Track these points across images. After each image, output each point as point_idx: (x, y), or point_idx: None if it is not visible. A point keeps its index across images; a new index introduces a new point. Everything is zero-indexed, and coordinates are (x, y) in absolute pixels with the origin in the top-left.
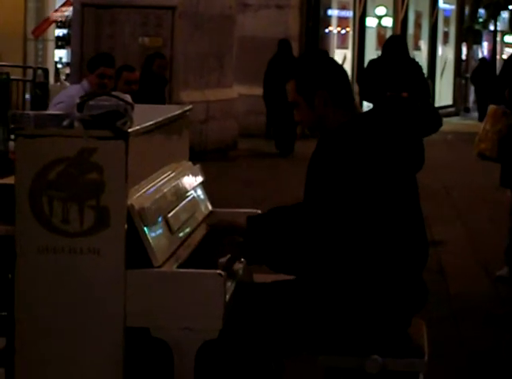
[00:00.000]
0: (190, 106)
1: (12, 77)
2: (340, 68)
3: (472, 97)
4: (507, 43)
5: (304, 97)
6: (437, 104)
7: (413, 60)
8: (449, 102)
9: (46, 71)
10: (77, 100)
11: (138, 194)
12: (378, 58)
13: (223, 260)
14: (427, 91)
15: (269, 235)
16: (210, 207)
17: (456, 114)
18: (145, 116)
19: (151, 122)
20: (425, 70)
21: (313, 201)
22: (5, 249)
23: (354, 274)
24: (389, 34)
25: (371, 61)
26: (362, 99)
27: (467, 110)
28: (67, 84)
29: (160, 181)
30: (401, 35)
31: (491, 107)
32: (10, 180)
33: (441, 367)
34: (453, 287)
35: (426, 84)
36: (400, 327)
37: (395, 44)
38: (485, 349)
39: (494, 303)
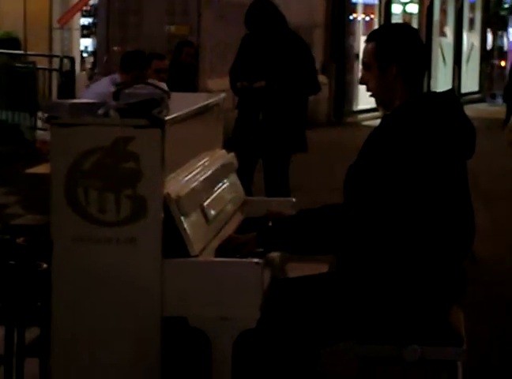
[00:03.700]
0: (224, 95)
1: (38, 67)
2: (422, 48)
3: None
4: None
5: (379, 63)
6: (463, 90)
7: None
8: (475, 88)
9: (72, 60)
10: (111, 90)
11: (175, 183)
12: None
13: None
14: (309, 60)
15: (299, 221)
16: (244, 195)
17: (482, 100)
18: (181, 104)
19: (187, 110)
20: (451, 56)
21: (366, 179)
22: (38, 239)
23: (395, 262)
24: (414, 21)
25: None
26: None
27: (493, 96)
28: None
29: (195, 169)
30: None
31: None
32: (38, 169)
33: (476, 355)
34: (485, 274)
35: (305, 53)
36: (440, 315)
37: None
38: None
39: None
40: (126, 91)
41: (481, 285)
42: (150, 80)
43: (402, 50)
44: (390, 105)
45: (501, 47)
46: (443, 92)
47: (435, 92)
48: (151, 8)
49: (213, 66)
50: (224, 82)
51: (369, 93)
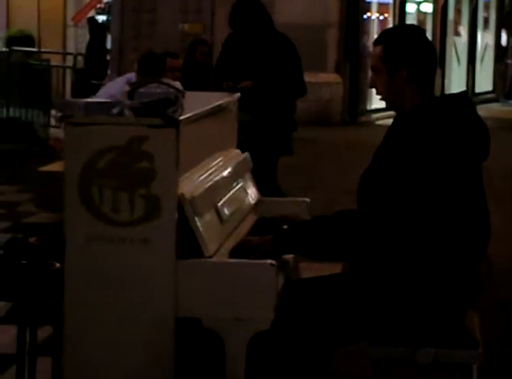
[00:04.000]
0: (238, 94)
1: (52, 64)
2: (431, 50)
3: None
4: None
5: (387, 67)
6: (477, 90)
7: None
8: (490, 88)
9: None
10: (127, 88)
11: (189, 183)
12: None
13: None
14: (295, 61)
15: (314, 226)
16: (259, 195)
17: (496, 100)
18: (195, 104)
19: (201, 110)
20: (465, 56)
21: (380, 184)
22: (50, 238)
23: (410, 264)
24: (429, 20)
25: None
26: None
27: (507, 95)
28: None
29: (209, 169)
30: None
31: None
32: (51, 167)
33: (491, 358)
34: (497, 275)
35: (291, 55)
36: (455, 318)
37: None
38: None
39: None
40: (141, 90)
41: (496, 288)
42: (164, 80)
43: (411, 54)
44: (401, 108)
45: None
46: (456, 95)
47: (448, 95)
48: (165, 6)
49: None
50: None
51: (379, 96)
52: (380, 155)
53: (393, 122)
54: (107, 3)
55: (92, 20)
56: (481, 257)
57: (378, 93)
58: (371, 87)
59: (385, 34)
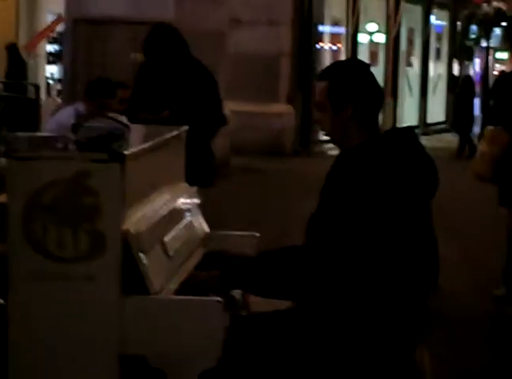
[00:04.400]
0: (186, 127)
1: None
2: (377, 86)
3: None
4: (499, 60)
5: (332, 104)
6: (429, 121)
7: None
8: (442, 118)
9: (37, 87)
10: (72, 121)
11: (134, 218)
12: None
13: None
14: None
15: (260, 264)
16: (207, 229)
17: (448, 130)
18: (141, 138)
19: (148, 144)
20: (417, 86)
21: (325, 224)
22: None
23: (358, 302)
24: (381, 50)
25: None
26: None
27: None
28: (58, 100)
29: (156, 203)
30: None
31: (489, 129)
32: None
33: None
34: (450, 307)
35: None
36: (405, 355)
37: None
38: (483, 370)
39: (492, 323)
40: (86, 124)
41: (447, 320)
42: (110, 114)
43: (357, 91)
44: (345, 144)
45: None
46: (401, 130)
47: (393, 130)
48: (117, 35)
49: None
50: None
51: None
52: (326, 196)
53: (336, 159)
54: (59, 32)
55: (11, 48)
56: (430, 293)
57: (322, 129)
58: (315, 123)
59: (329, 69)
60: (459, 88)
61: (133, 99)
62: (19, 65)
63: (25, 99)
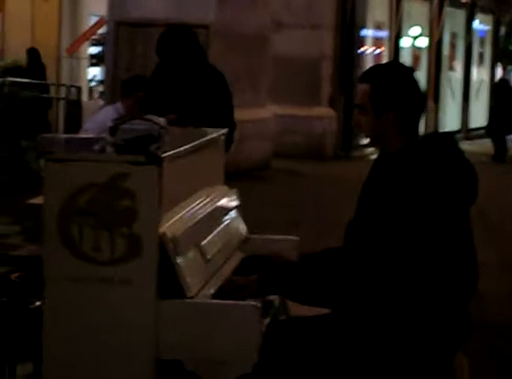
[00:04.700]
0: (226, 130)
1: (44, 95)
2: (419, 91)
3: None
4: None
5: (374, 107)
6: (471, 126)
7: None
8: (484, 123)
9: (78, 89)
10: (110, 124)
11: (171, 221)
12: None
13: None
14: (225, 96)
15: (299, 270)
16: (246, 232)
17: None
18: (180, 140)
19: (185, 147)
20: (459, 91)
21: (364, 229)
22: (31, 275)
23: (398, 308)
24: (423, 55)
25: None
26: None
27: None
28: (101, 101)
29: (194, 206)
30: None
31: None
32: (38, 200)
33: None
34: (491, 313)
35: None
36: (444, 362)
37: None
38: None
39: None
40: (123, 126)
41: (487, 328)
42: (148, 116)
43: (399, 96)
44: (385, 147)
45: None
46: (441, 135)
47: (433, 136)
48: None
49: None
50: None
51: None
52: (366, 201)
53: (375, 164)
54: (101, 34)
55: (31, 51)
56: (470, 298)
57: (362, 131)
58: (355, 125)
59: (372, 71)
60: (494, 92)
61: (145, 100)
62: (38, 68)
63: (68, 100)
